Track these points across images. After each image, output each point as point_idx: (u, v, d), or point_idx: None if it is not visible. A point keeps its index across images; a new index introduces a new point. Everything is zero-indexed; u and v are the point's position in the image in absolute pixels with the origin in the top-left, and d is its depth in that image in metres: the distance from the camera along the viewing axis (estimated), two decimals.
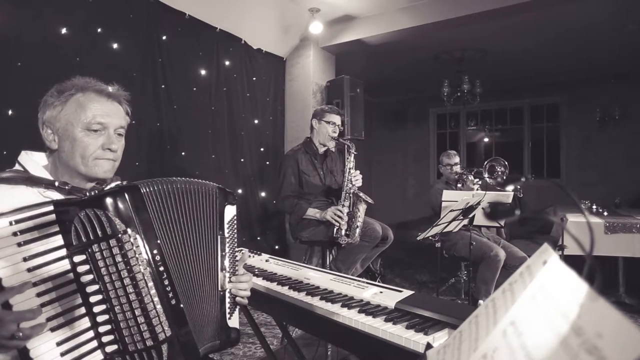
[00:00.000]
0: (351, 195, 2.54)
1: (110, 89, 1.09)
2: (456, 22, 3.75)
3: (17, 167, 1.03)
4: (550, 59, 5.38)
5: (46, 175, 1.03)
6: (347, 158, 2.57)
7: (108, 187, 1.08)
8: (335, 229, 2.50)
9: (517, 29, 4.29)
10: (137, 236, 0.89)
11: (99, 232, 0.85)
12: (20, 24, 2.21)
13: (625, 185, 5.68)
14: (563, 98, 6.44)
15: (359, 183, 2.58)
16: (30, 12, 2.25)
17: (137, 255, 0.88)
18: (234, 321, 1.13)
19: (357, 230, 2.50)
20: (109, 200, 0.87)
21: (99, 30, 2.60)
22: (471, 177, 3.21)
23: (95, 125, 1.03)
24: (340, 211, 2.49)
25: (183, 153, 3.21)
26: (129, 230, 0.88)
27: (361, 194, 2.51)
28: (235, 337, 1.12)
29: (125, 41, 2.75)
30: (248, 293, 1.16)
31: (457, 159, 3.40)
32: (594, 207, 3.68)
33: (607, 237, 3.10)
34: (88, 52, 2.52)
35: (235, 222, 1.17)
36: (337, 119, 2.72)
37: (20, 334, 0.73)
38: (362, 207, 2.52)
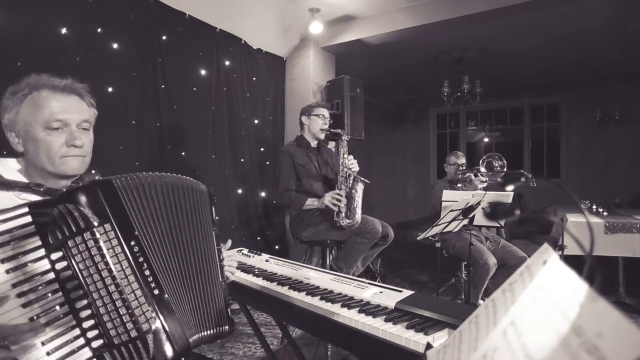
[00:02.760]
0: (347, 177, 2.55)
1: (64, 82, 1.07)
2: (456, 22, 3.75)
3: None
4: (550, 59, 5.38)
5: (21, 178, 1.03)
6: (340, 145, 2.61)
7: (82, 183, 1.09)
8: (335, 213, 2.51)
9: (517, 29, 4.28)
10: (112, 228, 0.89)
11: (73, 227, 0.85)
12: (20, 24, 2.21)
13: (625, 185, 5.68)
14: (563, 98, 6.43)
15: (355, 167, 2.59)
16: (30, 12, 2.25)
17: (113, 247, 0.88)
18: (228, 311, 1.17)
19: (358, 211, 2.51)
20: (80, 195, 0.88)
21: (99, 30, 2.60)
22: (474, 178, 3.22)
23: (54, 123, 1.02)
24: (338, 194, 2.50)
25: (183, 153, 3.21)
26: (104, 223, 0.88)
27: (357, 176, 2.53)
28: (233, 327, 1.15)
29: (125, 41, 2.75)
30: (235, 269, 1.33)
31: (464, 160, 3.44)
32: (594, 207, 3.68)
33: (607, 237, 3.10)
34: (88, 52, 2.51)
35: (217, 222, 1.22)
36: (325, 112, 2.79)
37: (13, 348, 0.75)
38: (360, 187, 2.54)
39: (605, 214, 3.51)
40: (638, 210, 3.99)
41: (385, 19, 4.01)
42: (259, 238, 3.94)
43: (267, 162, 4.15)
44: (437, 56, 5.24)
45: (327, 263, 2.73)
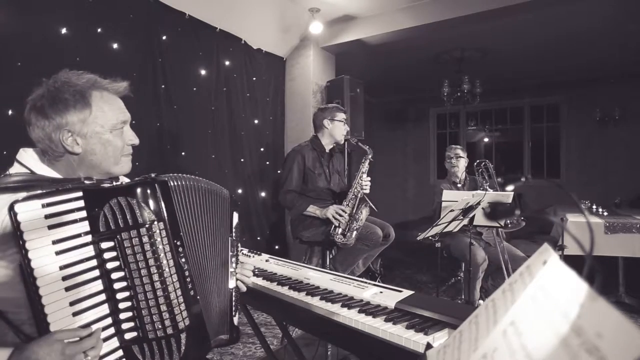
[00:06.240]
0: (357, 197, 2.52)
1: (124, 85, 1.09)
2: (456, 22, 3.75)
3: (18, 167, 0.98)
4: (550, 59, 5.37)
5: (48, 172, 0.98)
6: (363, 162, 2.58)
7: (124, 180, 1.08)
8: (332, 227, 2.49)
9: (517, 29, 4.28)
10: (165, 227, 0.92)
11: (130, 220, 0.87)
12: (20, 24, 2.21)
13: (625, 185, 5.68)
14: (563, 98, 6.43)
15: (367, 190, 2.56)
16: (30, 12, 2.25)
17: (163, 245, 0.91)
18: (236, 320, 1.17)
19: (354, 233, 2.48)
20: (140, 190, 0.90)
21: (99, 30, 2.60)
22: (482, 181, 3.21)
23: (120, 124, 1.03)
24: (343, 210, 2.48)
25: (183, 153, 3.21)
26: (159, 221, 0.91)
27: (366, 199, 2.51)
28: (237, 336, 1.16)
29: (125, 41, 2.74)
30: (250, 280, 1.25)
31: (457, 151, 3.42)
32: (594, 207, 3.68)
33: (607, 237, 3.10)
34: (88, 52, 2.51)
35: (238, 227, 1.23)
36: (344, 117, 2.77)
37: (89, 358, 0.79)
38: (365, 212, 2.50)
39: (605, 214, 3.51)
40: (638, 210, 3.99)
41: (385, 19, 4.01)
42: (259, 238, 3.94)
43: (267, 162, 4.15)
44: (437, 56, 5.23)
45: (327, 263, 2.73)
